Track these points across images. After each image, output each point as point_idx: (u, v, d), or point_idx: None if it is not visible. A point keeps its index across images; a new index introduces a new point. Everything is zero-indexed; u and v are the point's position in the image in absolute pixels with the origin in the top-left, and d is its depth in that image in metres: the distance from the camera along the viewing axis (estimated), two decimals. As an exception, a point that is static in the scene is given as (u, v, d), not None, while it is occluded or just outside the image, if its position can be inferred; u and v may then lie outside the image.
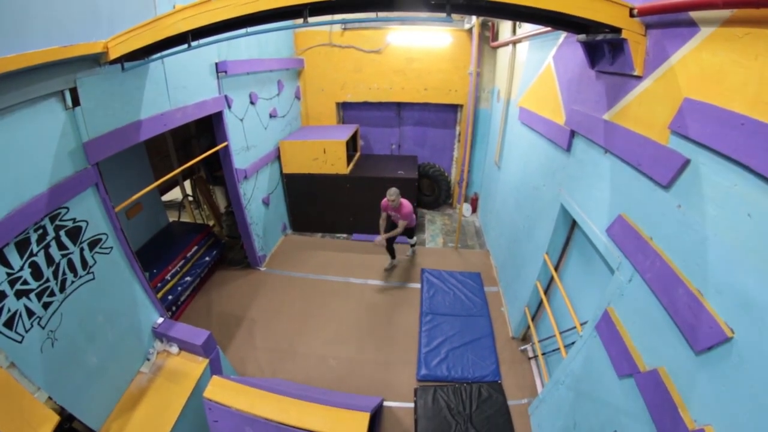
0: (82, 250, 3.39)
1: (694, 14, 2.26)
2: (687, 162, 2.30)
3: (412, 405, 4.82)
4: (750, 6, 1.80)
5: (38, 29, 2.83)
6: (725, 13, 2.02)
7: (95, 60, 3.33)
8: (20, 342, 2.79)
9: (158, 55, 3.70)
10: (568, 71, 4.21)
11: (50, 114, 3.03)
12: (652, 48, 2.71)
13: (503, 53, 7.51)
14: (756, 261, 1.81)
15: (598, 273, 3.78)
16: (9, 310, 2.71)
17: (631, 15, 2.65)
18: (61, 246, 3.18)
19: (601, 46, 3.17)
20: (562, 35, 4.39)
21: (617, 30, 2.72)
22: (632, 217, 2.89)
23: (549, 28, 4.56)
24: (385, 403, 4.81)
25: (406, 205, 6.65)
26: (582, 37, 3.17)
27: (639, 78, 2.85)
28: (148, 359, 4.12)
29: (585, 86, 3.78)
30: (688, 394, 2.19)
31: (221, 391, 3.66)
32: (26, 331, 2.83)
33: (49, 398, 2.99)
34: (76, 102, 3.22)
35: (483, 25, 7.80)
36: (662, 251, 2.50)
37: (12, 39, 2.64)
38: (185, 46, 3.21)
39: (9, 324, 2.71)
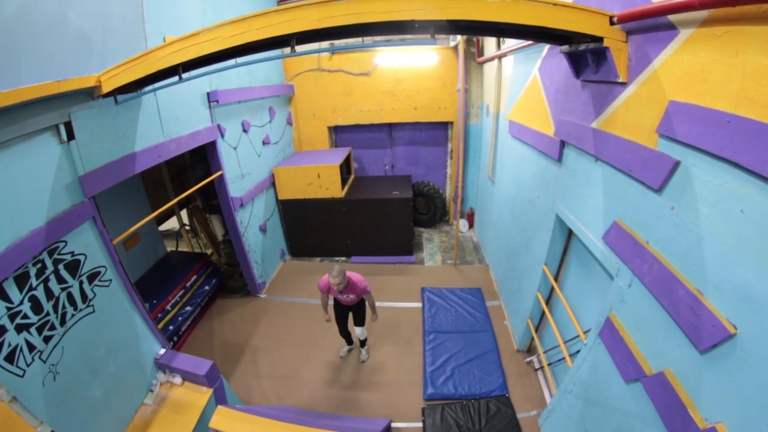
0: (81, 283, 3.39)
1: (672, 17, 2.30)
2: (677, 164, 2.33)
3: (420, 425, 4.77)
4: (726, 5, 1.83)
5: (31, 64, 2.88)
6: (703, 13, 2.06)
7: (89, 94, 3.38)
8: (22, 376, 2.77)
9: (150, 87, 3.75)
10: (555, 82, 4.26)
11: (45, 148, 3.07)
12: (634, 54, 2.75)
13: (489, 68, 7.60)
14: (753, 255, 1.82)
15: (597, 280, 3.78)
16: (9, 345, 2.71)
17: (611, 23, 2.70)
18: (61, 280, 3.18)
19: (585, 55, 3.22)
20: (546, 47, 4.45)
21: (599, 39, 2.76)
22: (627, 222, 2.91)
23: (531, 42, 4.64)
24: (393, 425, 4.75)
25: (357, 279, 5.07)
26: (565, 48, 3.21)
27: (624, 84, 2.89)
28: (152, 391, 4.08)
29: (572, 96, 3.83)
30: (697, 394, 2.19)
31: (227, 420, 3.63)
32: (27, 365, 2.82)
33: (52, 432, 2.97)
34: (71, 136, 3.26)
35: (468, 42, 7.92)
36: (659, 254, 2.52)
37: (4, 74, 2.68)
38: (176, 78, 3.25)
39: (10, 358, 2.70)
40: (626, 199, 2.91)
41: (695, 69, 2.18)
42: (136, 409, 3.91)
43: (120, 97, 3.68)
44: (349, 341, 5.97)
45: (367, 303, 5.40)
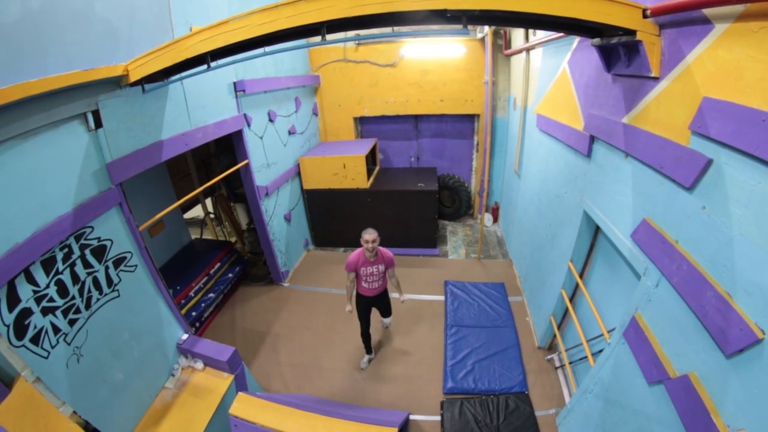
0: (107, 268, 3.46)
1: (707, 11, 2.24)
2: (709, 162, 2.25)
3: (438, 418, 4.75)
4: (763, -1, 1.77)
5: (58, 54, 2.93)
6: (739, 8, 2.00)
7: (116, 82, 3.44)
8: (46, 357, 2.86)
9: (177, 76, 3.79)
10: (584, 76, 4.17)
11: (74, 136, 3.14)
12: (667, 48, 2.68)
13: (517, 61, 7.50)
14: (784, 259, 1.76)
15: (624, 279, 3.71)
16: (35, 327, 2.79)
17: (645, 16, 2.63)
18: (87, 264, 3.25)
19: (616, 49, 3.15)
20: (576, 40, 4.36)
21: (631, 32, 2.70)
22: (657, 220, 2.84)
23: (562, 34, 4.54)
24: (412, 417, 4.75)
25: (384, 250, 4.99)
26: (596, 41, 3.15)
27: (656, 79, 2.81)
28: (173, 375, 4.16)
29: (602, 90, 3.74)
30: (720, 399, 2.13)
31: (247, 407, 3.66)
32: (52, 347, 2.90)
33: (74, 412, 3.04)
34: (98, 124, 3.33)
35: (495, 34, 7.80)
36: (689, 254, 2.45)
37: (33, 64, 2.74)
38: (204, 67, 3.27)
39: (35, 340, 2.78)
40: (656, 197, 2.84)
41: (730, 65, 2.12)
42: (157, 393, 4.00)
43: (147, 86, 3.73)
44: (369, 349, 5.67)
45: (390, 283, 5.26)
